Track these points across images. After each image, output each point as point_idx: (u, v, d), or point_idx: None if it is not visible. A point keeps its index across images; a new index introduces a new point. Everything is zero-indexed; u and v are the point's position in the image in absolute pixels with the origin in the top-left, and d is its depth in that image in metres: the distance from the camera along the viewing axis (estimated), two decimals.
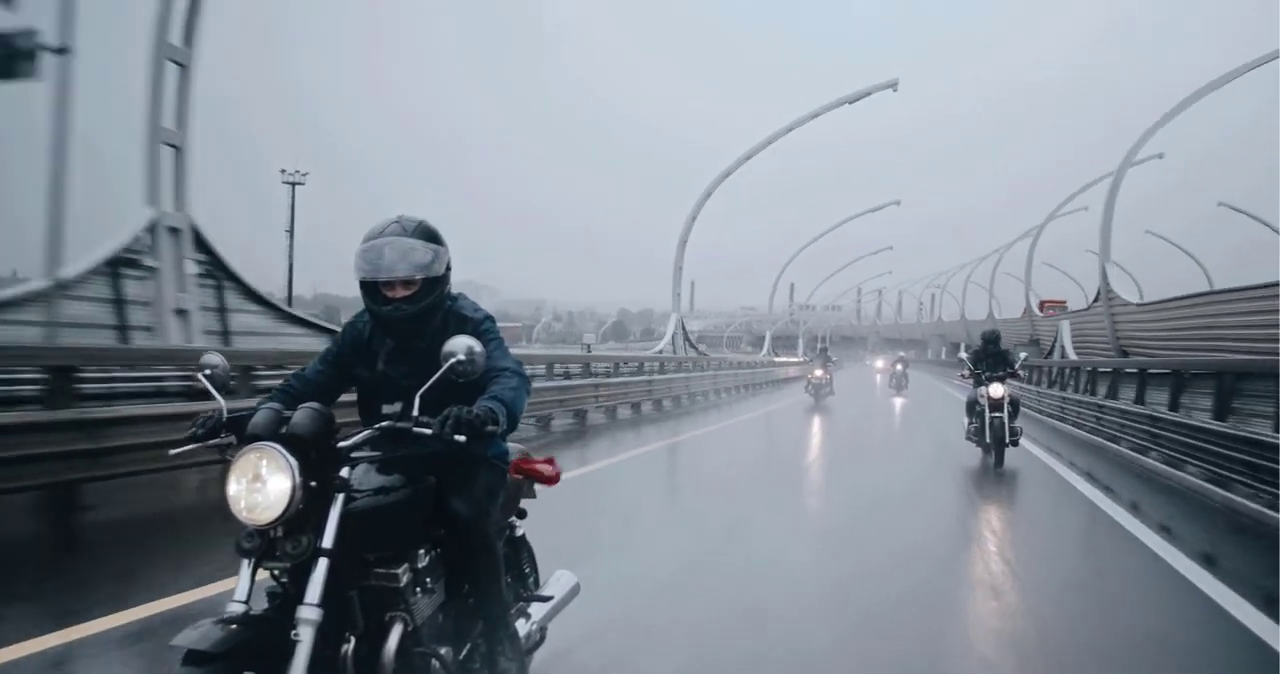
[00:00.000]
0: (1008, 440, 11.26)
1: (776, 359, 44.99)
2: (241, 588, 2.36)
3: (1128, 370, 16.34)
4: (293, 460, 2.33)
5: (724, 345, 42.69)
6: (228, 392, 2.72)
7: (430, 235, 2.82)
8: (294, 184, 39.01)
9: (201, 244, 13.95)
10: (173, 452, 2.69)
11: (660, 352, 30.62)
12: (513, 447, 3.31)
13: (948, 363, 58.61)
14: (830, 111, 30.59)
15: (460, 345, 2.57)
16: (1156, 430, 11.51)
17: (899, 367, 31.72)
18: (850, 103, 30.24)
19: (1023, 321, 52.07)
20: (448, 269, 2.87)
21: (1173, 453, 10.67)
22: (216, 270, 14.44)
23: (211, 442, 2.59)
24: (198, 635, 2.19)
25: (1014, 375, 11.91)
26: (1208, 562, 6.11)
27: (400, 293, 2.78)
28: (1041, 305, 54.10)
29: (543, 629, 3.40)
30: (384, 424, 2.58)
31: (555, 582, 3.58)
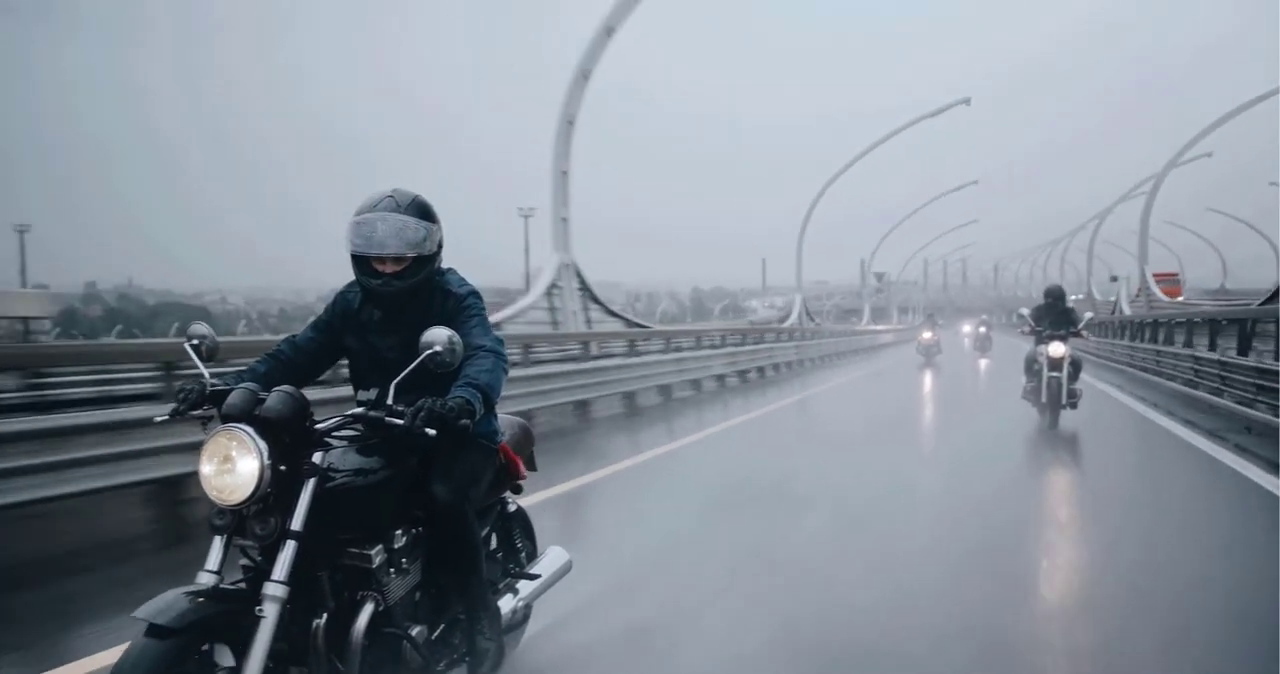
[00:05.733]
0: (1065, 402, 10.64)
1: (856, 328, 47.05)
2: (213, 559, 2.37)
3: None
4: (262, 444, 2.34)
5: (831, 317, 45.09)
6: (214, 362, 2.75)
7: (424, 212, 2.81)
8: (526, 217, 52.17)
9: None
10: (157, 419, 2.73)
11: (787, 324, 36.90)
12: (508, 419, 3.29)
13: (1006, 324, 57.85)
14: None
15: (439, 337, 2.56)
16: None
17: (983, 329, 31.93)
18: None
19: (1138, 302, 41.90)
20: (439, 246, 2.88)
21: None
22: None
23: (193, 413, 2.61)
24: (160, 608, 2.16)
25: (1077, 335, 11.18)
26: None
27: (391, 268, 2.78)
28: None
29: (528, 607, 3.39)
30: (357, 411, 2.61)
31: (546, 558, 3.58)
